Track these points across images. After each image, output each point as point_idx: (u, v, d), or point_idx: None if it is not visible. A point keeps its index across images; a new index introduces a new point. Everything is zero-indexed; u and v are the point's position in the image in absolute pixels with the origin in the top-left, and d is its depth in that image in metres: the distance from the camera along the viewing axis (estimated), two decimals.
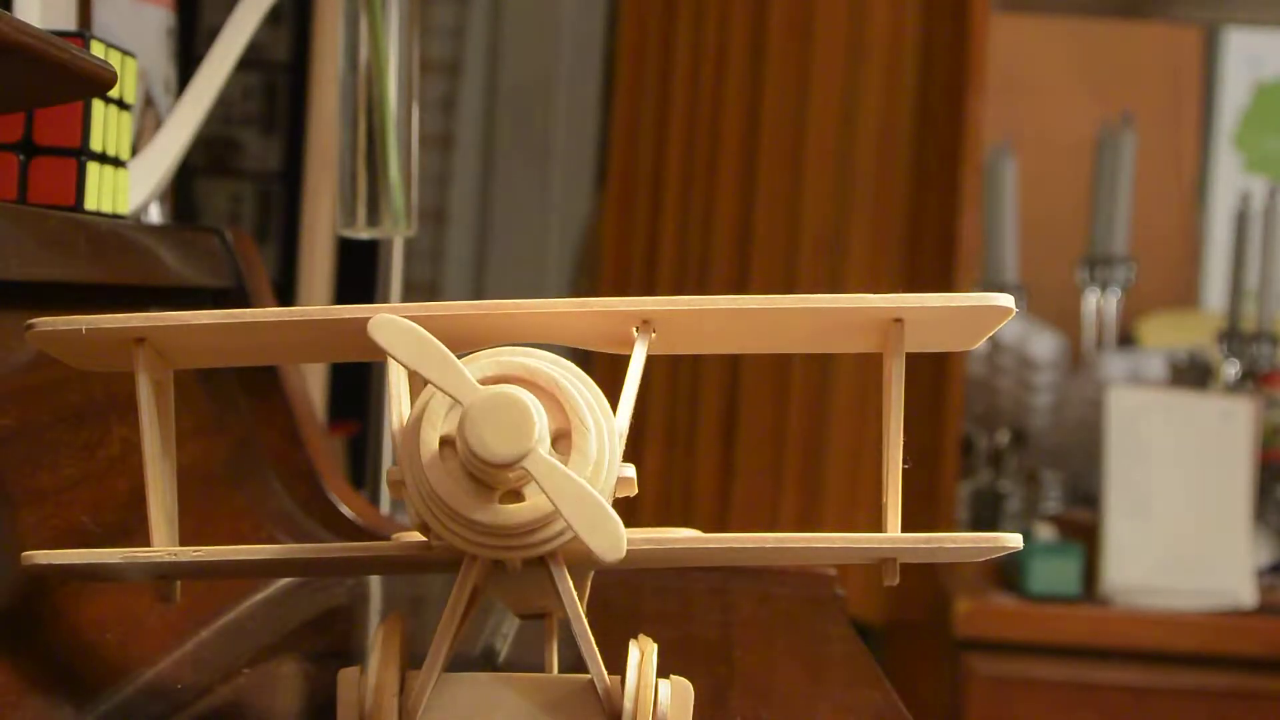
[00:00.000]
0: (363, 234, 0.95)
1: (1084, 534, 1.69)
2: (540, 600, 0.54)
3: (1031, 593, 1.63)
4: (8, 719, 0.47)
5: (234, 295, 0.81)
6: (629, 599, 0.77)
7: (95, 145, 0.66)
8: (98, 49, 0.65)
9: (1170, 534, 1.64)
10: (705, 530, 0.52)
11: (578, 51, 2.31)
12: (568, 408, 0.44)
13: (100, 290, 0.64)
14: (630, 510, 0.47)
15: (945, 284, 1.78)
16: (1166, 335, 2.10)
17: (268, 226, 1.61)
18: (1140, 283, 2.05)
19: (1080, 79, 2.27)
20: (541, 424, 0.42)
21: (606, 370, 0.55)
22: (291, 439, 0.82)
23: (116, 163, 0.68)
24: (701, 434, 1.86)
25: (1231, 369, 1.87)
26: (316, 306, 0.53)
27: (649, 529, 0.50)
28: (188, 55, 1.05)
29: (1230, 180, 2.28)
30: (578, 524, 0.42)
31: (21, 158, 0.64)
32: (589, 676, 0.46)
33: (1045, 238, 2.17)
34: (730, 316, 0.49)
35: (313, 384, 1.24)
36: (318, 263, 1.44)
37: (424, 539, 0.47)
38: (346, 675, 0.46)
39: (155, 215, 0.91)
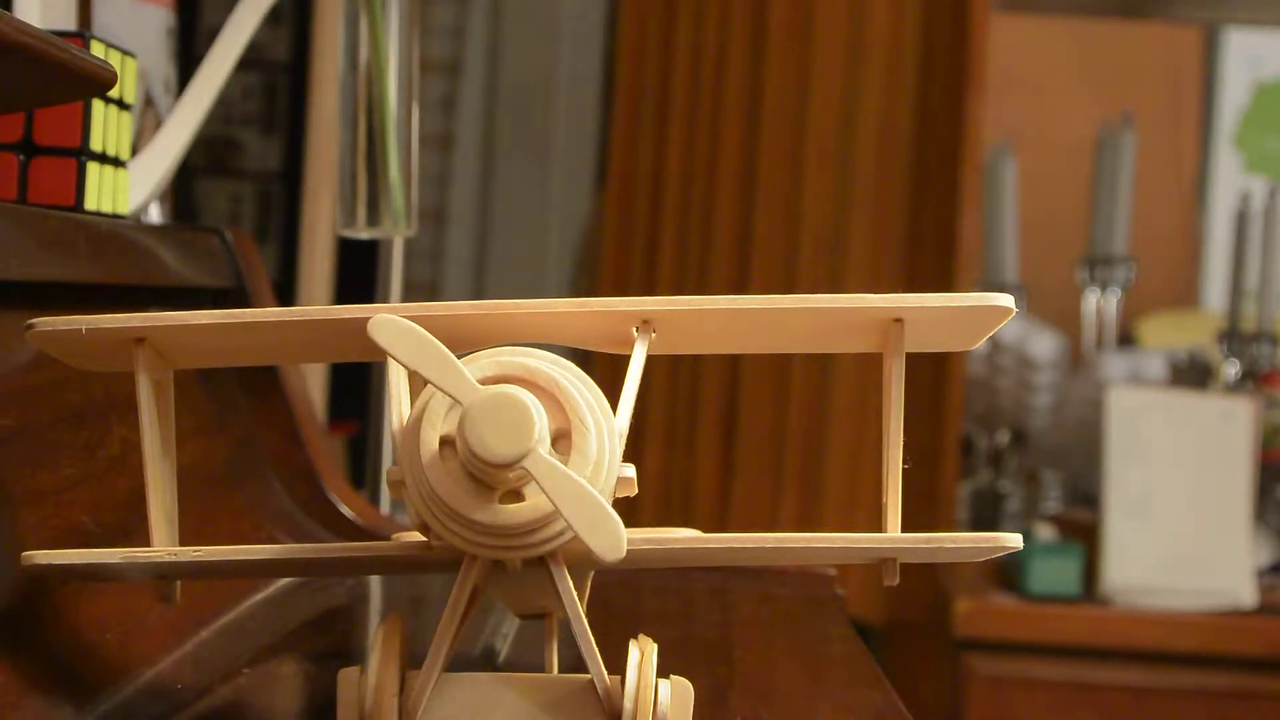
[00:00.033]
0: (363, 234, 0.95)
1: (1084, 534, 1.69)
2: (540, 600, 0.54)
3: (1031, 593, 1.63)
4: (8, 719, 0.47)
5: (234, 295, 0.81)
6: (629, 599, 0.77)
7: (95, 145, 0.66)
8: (98, 49, 0.65)
9: (1170, 534, 1.64)
10: (705, 530, 0.52)
11: (578, 51, 2.31)
12: (568, 408, 0.44)
13: (100, 290, 0.64)
14: (630, 510, 0.47)
15: (945, 284, 1.78)
16: (1166, 335, 2.10)
17: (268, 226, 1.61)
18: (1140, 283, 2.05)
19: (1080, 79, 2.27)
20: (541, 424, 0.42)
21: (606, 370, 0.55)
22: (291, 439, 0.82)
23: (116, 163, 0.68)
24: (701, 434, 1.86)
25: (1231, 369, 1.87)
26: (316, 306, 0.53)
27: (649, 529, 0.50)
28: (188, 55, 1.05)
29: (1230, 180, 2.28)
30: (578, 524, 0.42)
31: (21, 158, 0.64)
32: (589, 676, 0.46)
33: (1045, 238, 2.17)
34: (730, 316, 0.49)
35: (313, 384, 1.24)
36: (318, 263, 1.44)
37: (424, 539, 0.47)
38: (346, 675, 0.46)
39: (155, 215, 0.91)
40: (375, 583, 0.80)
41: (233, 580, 0.69)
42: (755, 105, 1.87)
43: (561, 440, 0.44)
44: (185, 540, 0.51)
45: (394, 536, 0.55)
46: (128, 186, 0.70)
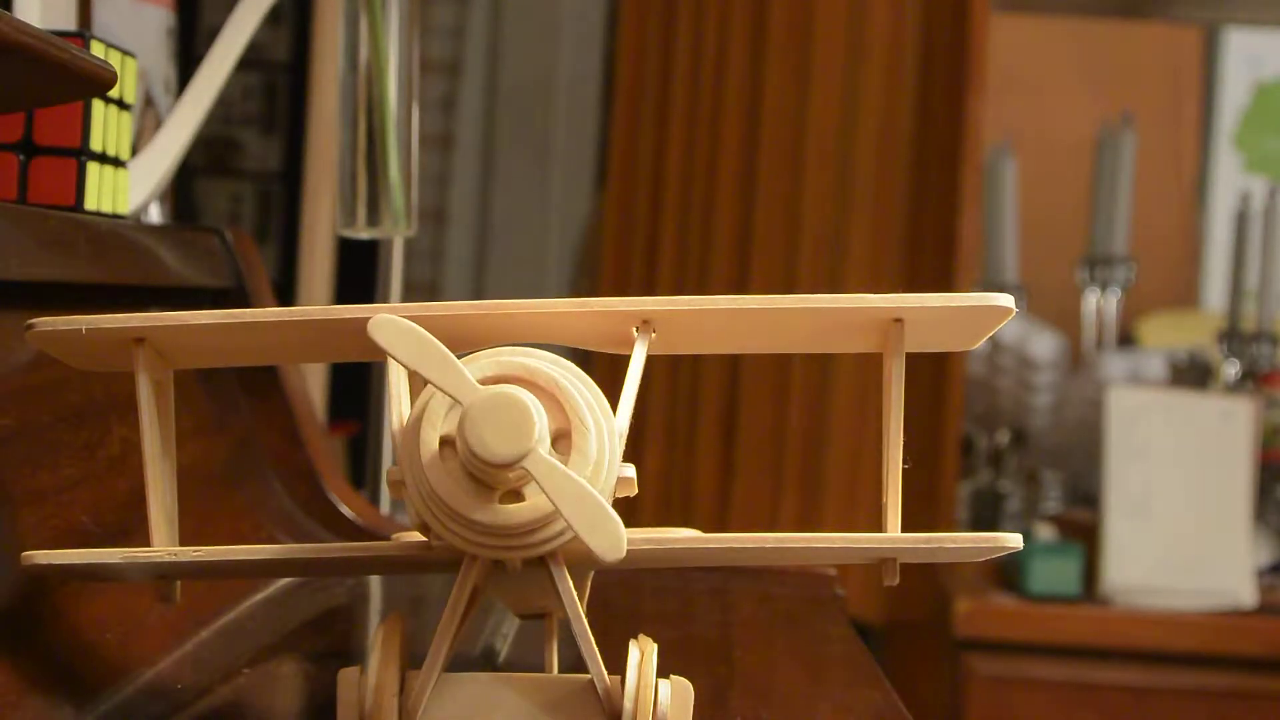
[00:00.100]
0: (363, 234, 0.95)
1: (1084, 534, 1.69)
2: (540, 600, 0.54)
3: (1031, 593, 1.63)
4: (8, 719, 0.47)
5: (234, 295, 0.81)
6: (629, 599, 0.77)
7: (95, 145, 0.66)
8: (98, 49, 0.65)
9: (1170, 534, 1.64)
10: (705, 530, 0.52)
11: (578, 51, 2.31)
12: (568, 408, 0.44)
13: (100, 290, 0.64)
14: (630, 510, 0.47)
15: (945, 284, 1.78)
16: (1166, 335, 2.10)
17: (268, 226, 1.61)
18: (1140, 283, 2.05)
19: (1080, 79, 2.27)
20: (541, 424, 0.42)
21: (606, 370, 0.55)
22: (291, 439, 0.82)
23: (116, 163, 0.68)
24: (701, 434, 1.86)
25: (1231, 369, 1.87)
26: (316, 306, 0.53)
27: (649, 529, 0.50)
28: (188, 55, 1.05)
29: (1230, 180, 2.28)
30: (578, 524, 0.42)
31: (21, 158, 0.64)
32: (589, 676, 0.46)
33: (1045, 238, 2.17)
34: (730, 316, 0.49)
35: (313, 384, 1.24)
36: (318, 263, 1.44)
37: (424, 539, 0.47)
38: (346, 675, 0.46)
39: (155, 215, 0.91)
40: (375, 583, 0.80)
41: (233, 580, 0.69)
42: (755, 105, 1.87)
43: (561, 440, 0.44)
44: (185, 540, 0.51)
45: (394, 536, 0.55)
46: (128, 186, 0.70)
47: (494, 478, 0.43)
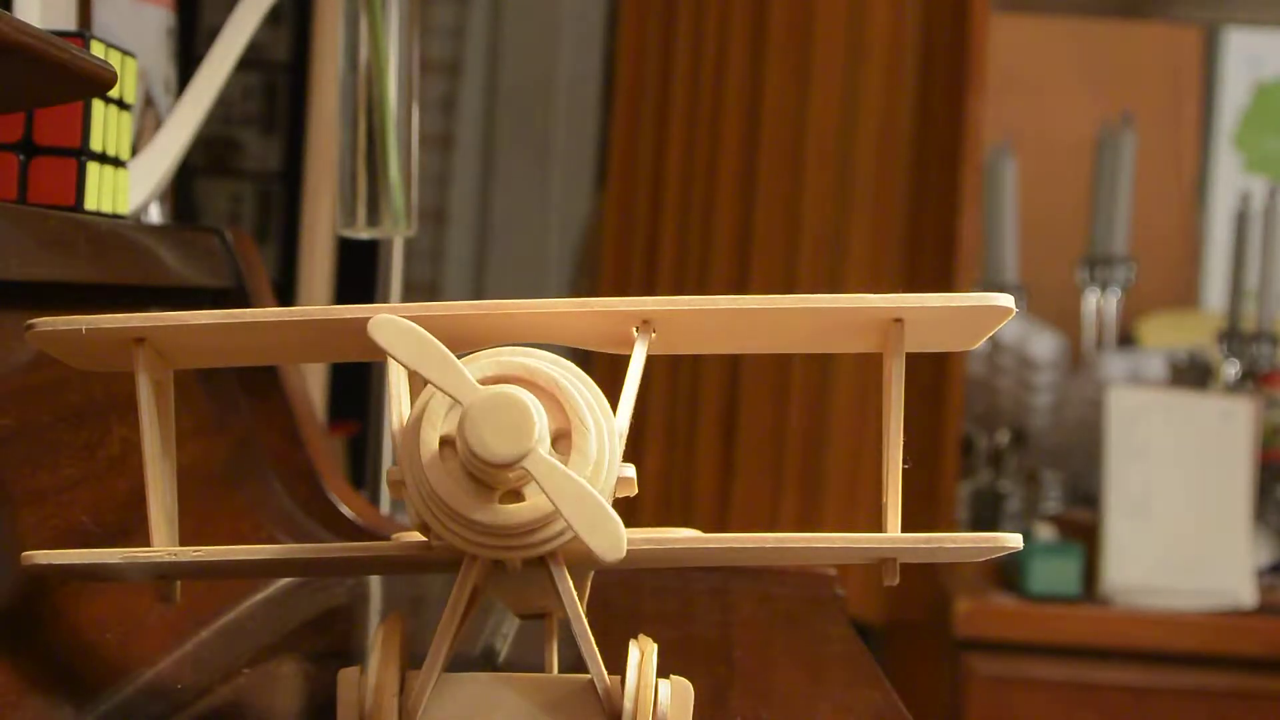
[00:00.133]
0: (363, 234, 0.95)
1: (1084, 534, 1.69)
2: (540, 600, 0.54)
3: (1031, 593, 1.63)
4: (8, 719, 0.47)
5: (234, 295, 0.81)
6: (629, 599, 0.77)
7: (95, 145, 0.66)
8: (98, 49, 0.65)
9: (1170, 534, 1.64)
10: (705, 530, 0.52)
11: (578, 51, 2.31)
12: (568, 408, 0.44)
13: (100, 290, 0.64)
14: (630, 510, 0.47)
15: (945, 284, 1.78)
16: (1166, 335, 2.10)
17: (268, 226, 1.61)
18: (1140, 283, 2.05)
19: (1080, 79, 2.27)
20: (541, 424, 0.42)
21: (606, 370, 0.55)
22: (291, 439, 0.82)
23: (116, 163, 0.68)
24: (701, 434, 1.86)
25: (1231, 369, 1.87)
26: (316, 306, 0.53)
27: (649, 529, 0.50)
28: (188, 55, 1.05)
29: (1230, 180, 2.28)
30: (578, 524, 0.42)
31: (21, 158, 0.64)
32: (589, 676, 0.46)
33: (1045, 238, 2.17)
34: (730, 316, 0.49)
35: (313, 384, 1.24)
36: (318, 263, 1.44)
37: (424, 539, 0.47)
38: (346, 675, 0.46)
39: (155, 215, 0.91)
40: (375, 583, 0.80)
41: (233, 580, 0.69)
42: (755, 105, 1.87)
43: (561, 440, 0.44)
44: (185, 540, 0.51)
45: (394, 536, 0.55)
46: (128, 186, 0.70)
47: (494, 478, 0.43)
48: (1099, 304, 2.03)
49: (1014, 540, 0.48)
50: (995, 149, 2.05)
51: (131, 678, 0.56)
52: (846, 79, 1.85)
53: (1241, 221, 1.89)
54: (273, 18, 1.26)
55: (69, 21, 0.80)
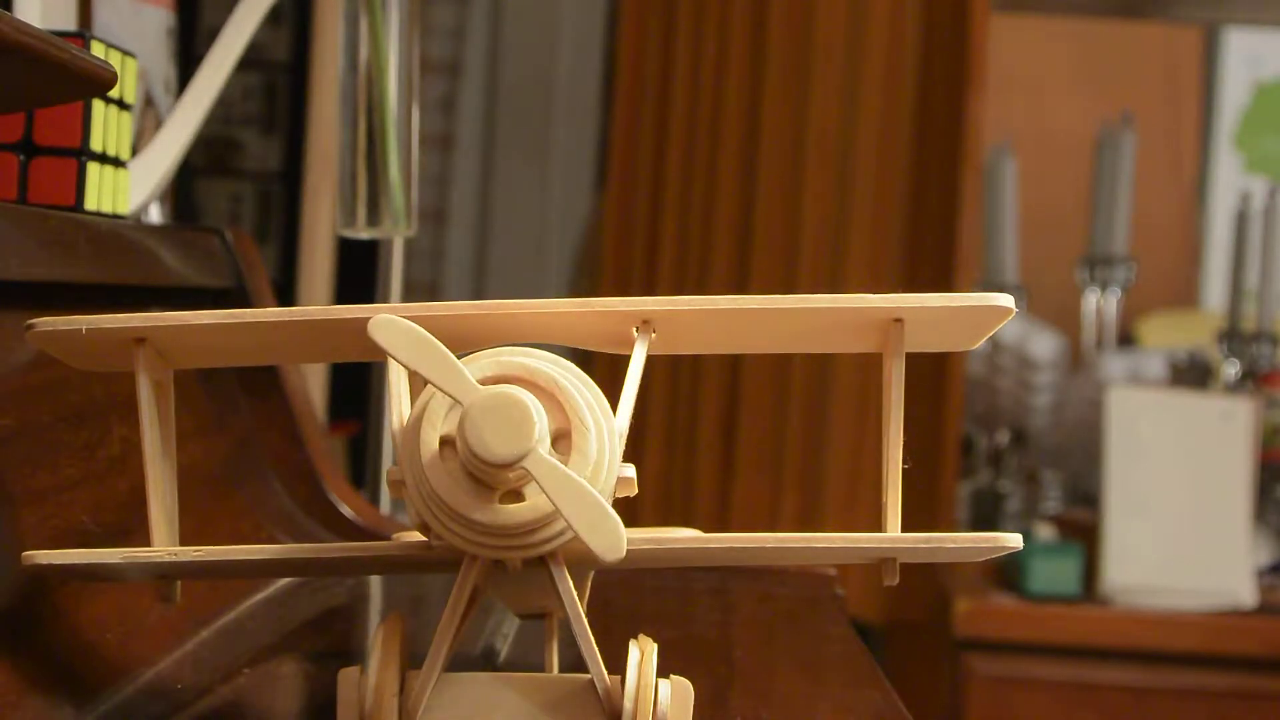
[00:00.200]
0: (363, 234, 0.95)
1: (1084, 534, 1.69)
2: (540, 600, 0.54)
3: (1031, 593, 1.63)
4: (8, 719, 0.47)
5: (234, 295, 0.81)
6: (629, 599, 0.77)
7: (95, 145, 0.66)
8: (98, 49, 0.65)
9: (1170, 534, 1.64)
10: (705, 530, 0.52)
11: (578, 51, 2.31)
12: (568, 408, 0.44)
13: (100, 290, 0.64)
14: (630, 510, 0.47)
15: (945, 284, 1.78)
16: (1166, 335, 2.10)
17: (268, 226, 1.61)
18: (1140, 283, 2.05)
19: (1080, 79, 2.27)
20: (541, 424, 0.42)
21: (606, 370, 0.55)
22: (291, 439, 0.82)
23: (116, 163, 0.68)
24: (701, 434, 1.86)
25: (1231, 369, 1.87)
26: (316, 306, 0.53)
27: (649, 529, 0.50)
28: (188, 55, 1.05)
29: (1230, 180, 2.28)
30: (578, 524, 0.42)
31: (22, 158, 0.64)
32: (589, 676, 0.46)
33: (1045, 238, 2.17)
34: (730, 316, 0.49)
35: (313, 384, 1.24)
36: (318, 263, 1.44)
37: (424, 539, 0.47)
38: (346, 675, 0.46)
39: (155, 215, 0.91)
40: (375, 583, 0.80)
41: (233, 580, 0.69)
42: (755, 105, 1.87)
43: (561, 440, 0.44)
44: (185, 540, 0.51)
45: (394, 536, 0.55)
46: (128, 186, 0.70)
47: (494, 478, 0.43)
48: (1099, 304, 2.03)
49: (1014, 540, 0.48)
50: (995, 149, 2.05)
51: (131, 678, 0.56)
52: (846, 79, 1.85)
53: (1241, 221, 1.89)
54: (273, 18, 1.26)
55: (69, 21, 0.80)
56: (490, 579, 0.48)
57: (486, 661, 0.64)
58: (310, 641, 0.69)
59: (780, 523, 1.82)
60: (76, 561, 0.49)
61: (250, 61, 1.06)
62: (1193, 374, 1.85)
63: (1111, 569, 1.62)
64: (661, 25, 1.90)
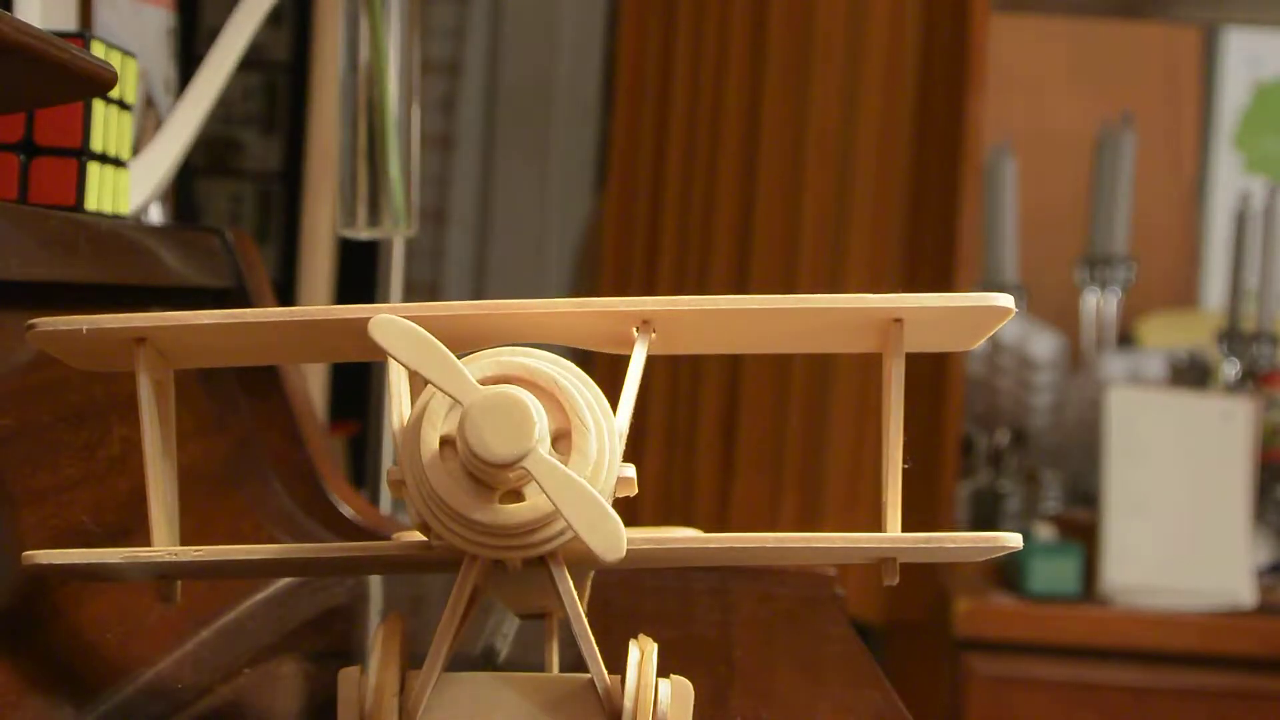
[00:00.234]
0: (363, 234, 0.95)
1: (1084, 534, 1.69)
2: (540, 600, 0.54)
3: (1031, 592, 1.63)
4: (8, 719, 0.47)
5: (234, 295, 0.81)
6: (629, 599, 0.77)
7: (96, 145, 0.66)
8: (98, 49, 0.65)
9: (1169, 534, 1.64)
10: (705, 530, 0.52)
11: (578, 51, 2.31)
12: (568, 408, 0.44)
13: (100, 290, 0.64)
14: (630, 510, 0.47)
15: (945, 284, 1.78)
16: (1166, 335, 2.10)
17: (268, 226, 1.61)
18: (1140, 283, 2.05)
19: (1080, 79, 2.27)
20: (541, 424, 0.42)
21: (606, 370, 0.55)
22: (291, 439, 0.82)
23: (117, 163, 0.68)
24: (701, 434, 1.86)
25: (1231, 369, 1.87)
26: (316, 306, 0.53)
27: (649, 529, 0.50)
28: (188, 55, 1.06)
29: (1230, 180, 2.28)
30: (578, 524, 0.42)
31: (22, 158, 0.64)
32: (589, 676, 0.46)
33: (1045, 238, 2.17)
34: (730, 316, 0.49)
35: (313, 384, 1.24)
36: (318, 263, 1.44)
37: (424, 539, 0.47)
38: (347, 675, 0.46)
39: (155, 215, 0.91)
40: (375, 583, 0.80)
41: (233, 580, 0.69)
42: (755, 105, 1.87)
43: (561, 440, 0.44)
44: (185, 540, 0.51)
45: (394, 536, 0.55)
46: (128, 186, 0.70)
47: (494, 478, 0.43)
48: (1099, 304, 2.03)
49: (1014, 540, 0.48)
50: (995, 149, 2.05)
51: (131, 678, 0.56)
52: (846, 79, 1.85)
53: (1241, 221, 1.89)
54: (273, 18, 1.26)
55: (69, 22, 0.80)
56: (490, 579, 0.48)
57: (486, 661, 0.64)
58: (310, 641, 0.69)
59: (780, 523, 1.82)
60: (76, 561, 0.49)
61: (250, 61, 1.06)
62: (1192, 374, 1.85)
63: (1111, 569, 1.62)
64: (661, 25, 1.90)
